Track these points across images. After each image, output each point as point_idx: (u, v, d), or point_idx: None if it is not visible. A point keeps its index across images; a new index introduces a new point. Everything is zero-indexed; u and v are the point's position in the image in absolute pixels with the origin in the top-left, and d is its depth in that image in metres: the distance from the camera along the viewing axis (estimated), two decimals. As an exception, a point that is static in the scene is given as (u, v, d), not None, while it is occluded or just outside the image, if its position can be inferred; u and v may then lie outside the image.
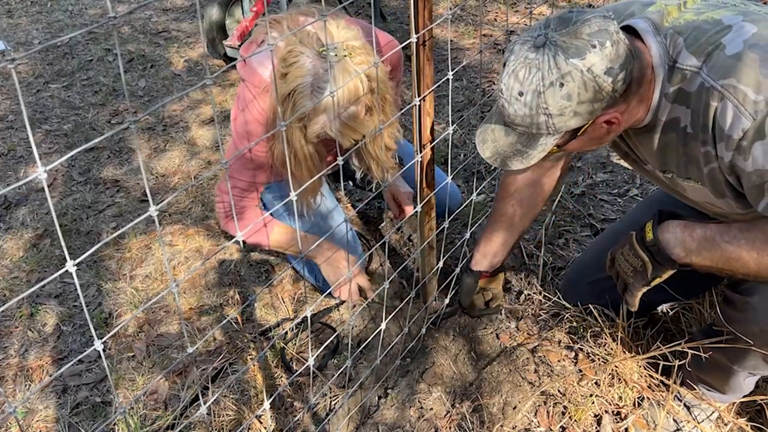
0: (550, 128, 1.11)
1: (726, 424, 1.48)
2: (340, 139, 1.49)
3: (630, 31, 1.16)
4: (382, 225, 2.32)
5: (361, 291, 1.90)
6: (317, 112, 1.44)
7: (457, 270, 1.71)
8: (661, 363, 1.49)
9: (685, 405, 1.50)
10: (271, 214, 2.09)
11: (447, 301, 1.77)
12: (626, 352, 1.60)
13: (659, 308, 1.74)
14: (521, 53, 1.09)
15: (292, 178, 1.60)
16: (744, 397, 1.44)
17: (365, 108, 1.48)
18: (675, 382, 1.47)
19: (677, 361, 1.42)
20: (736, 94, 1.03)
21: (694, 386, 1.47)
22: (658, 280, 1.23)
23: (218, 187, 1.80)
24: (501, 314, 1.79)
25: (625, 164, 2.45)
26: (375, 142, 1.65)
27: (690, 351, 1.39)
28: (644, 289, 1.26)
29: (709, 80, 1.07)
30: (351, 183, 2.30)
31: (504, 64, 1.13)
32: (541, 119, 1.10)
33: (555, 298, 1.78)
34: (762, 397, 1.43)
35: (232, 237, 2.15)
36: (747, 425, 1.45)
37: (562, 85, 1.05)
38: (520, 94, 1.09)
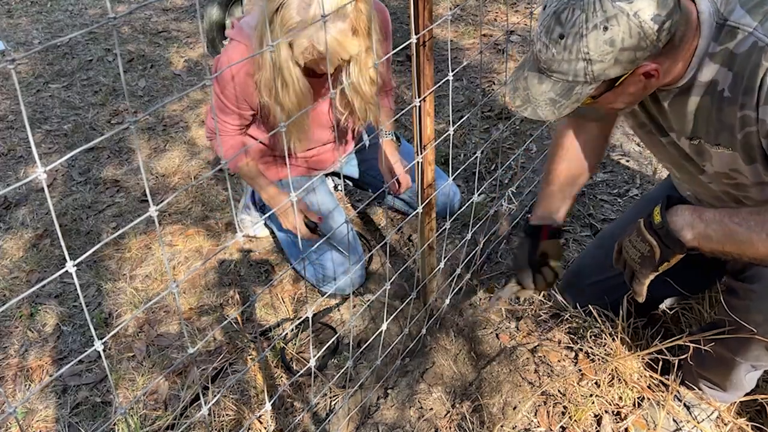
0: (588, 76, 1.06)
1: (726, 424, 1.48)
2: (326, 55, 1.53)
3: None
4: (382, 225, 2.32)
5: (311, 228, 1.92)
6: (304, 26, 1.44)
7: (458, 270, 1.71)
8: (661, 362, 1.49)
9: (685, 405, 1.50)
10: (269, 216, 2.10)
11: (447, 301, 1.77)
12: (626, 352, 1.60)
13: (660, 306, 1.74)
14: None
15: (281, 110, 1.61)
16: (745, 395, 1.44)
17: (352, 29, 1.49)
18: (675, 382, 1.47)
19: (677, 359, 1.42)
20: None
21: (695, 385, 1.47)
22: (666, 266, 1.20)
23: (208, 114, 1.88)
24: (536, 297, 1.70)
25: (630, 155, 2.45)
26: (360, 71, 1.64)
27: (692, 345, 1.37)
28: (652, 276, 1.23)
29: (765, 39, 1.03)
30: (351, 183, 2.31)
31: (544, 7, 1.08)
32: (579, 65, 1.05)
33: (555, 299, 1.78)
34: (763, 396, 1.43)
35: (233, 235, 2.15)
36: (747, 425, 1.45)
37: (606, 28, 1.01)
38: (561, 36, 1.04)
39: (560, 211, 1.56)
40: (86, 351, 1.04)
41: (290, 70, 1.55)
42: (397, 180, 1.95)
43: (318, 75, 1.67)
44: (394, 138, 1.99)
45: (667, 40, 1.05)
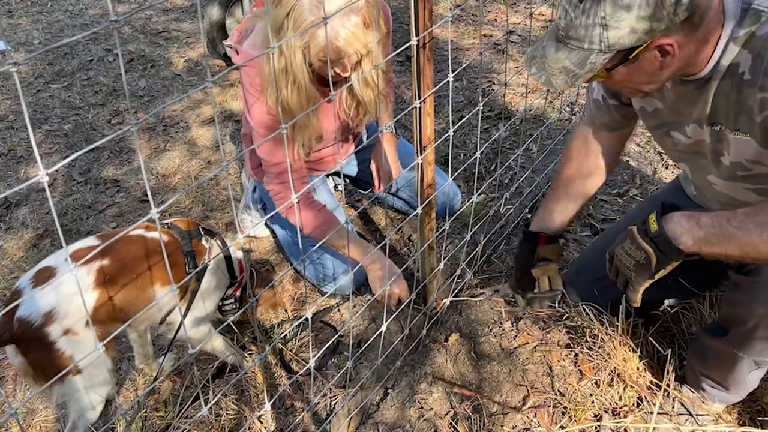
0: (602, 43, 1.08)
1: (726, 425, 1.49)
2: (345, 48, 1.49)
3: None
4: (382, 225, 2.32)
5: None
6: (319, 25, 1.43)
7: (458, 271, 1.71)
8: (661, 361, 1.49)
9: (684, 405, 1.50)
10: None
11: (448, 302, 1.77)
12: (626, 352, 1.60)
13: (665, 303, 1.73)
14: None
15: (284, 113, 1.59)
16: (747, 395, 1.44)
17: (364, 22, 1.49)
18: (675, 382, 1.47)
19: (677, 358, 1.42)
20: None
21: (697, 385, 1.47)
22: (662, 273, 1.21)
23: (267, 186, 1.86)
24: (540, 305, 1.69)
25: (630, 155, 2.45)
26: (372, 64, 1.63)
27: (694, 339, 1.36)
28: (648, 283, 1.24)
29: None
30: (348, 180, 2.31)
31: None
32: (595, 31, 1.07)
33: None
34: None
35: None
36: (747, 426, 1.45)
37: None
38: (580, 1, 1.07)
39: (561, 218, 1.59)
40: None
41: (303, 74, 1.53)
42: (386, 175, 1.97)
43: (324, 83, 1.66)
44: (393, 130, 2.00)
45: (685, 17, 1.05)
